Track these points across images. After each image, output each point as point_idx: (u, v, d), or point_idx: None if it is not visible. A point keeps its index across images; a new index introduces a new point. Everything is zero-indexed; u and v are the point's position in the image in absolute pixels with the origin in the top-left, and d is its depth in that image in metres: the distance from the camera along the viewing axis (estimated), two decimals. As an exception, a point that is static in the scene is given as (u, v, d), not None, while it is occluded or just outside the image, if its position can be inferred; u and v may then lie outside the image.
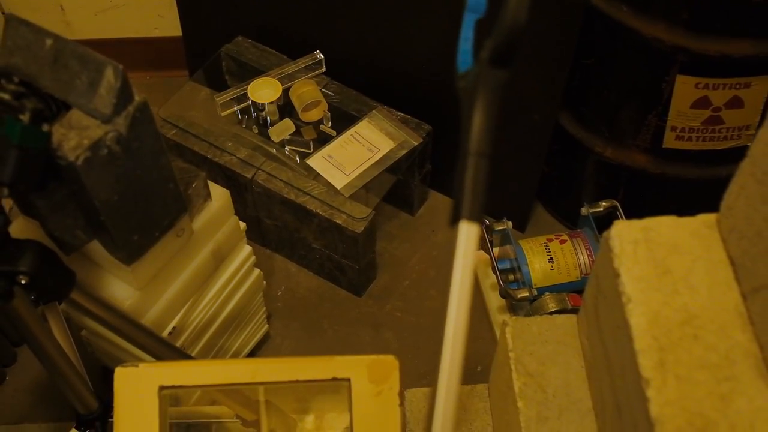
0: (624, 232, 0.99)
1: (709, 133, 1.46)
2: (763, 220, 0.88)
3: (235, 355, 1.60)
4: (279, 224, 1.68)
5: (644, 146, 1.53)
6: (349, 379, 1.08)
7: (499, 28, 0.53)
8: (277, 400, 1.36)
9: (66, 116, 1.00)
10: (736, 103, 1.40)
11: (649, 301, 0.93)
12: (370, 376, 1.08)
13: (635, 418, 0.92)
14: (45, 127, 0.92)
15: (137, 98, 1.01)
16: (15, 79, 0.95)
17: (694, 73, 1.36)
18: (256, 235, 1.76)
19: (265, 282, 1.56)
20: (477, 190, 0.53)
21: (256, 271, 1.51)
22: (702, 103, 1.40)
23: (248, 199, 1.65)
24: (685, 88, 1.38)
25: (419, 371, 1.62)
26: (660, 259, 0.97)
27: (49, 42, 1.00)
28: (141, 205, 1.11)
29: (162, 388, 1.07)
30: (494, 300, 1.70)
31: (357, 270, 1.67)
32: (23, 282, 1.03)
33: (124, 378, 1.07)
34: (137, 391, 1.06)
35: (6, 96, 0.90)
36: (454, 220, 0.53)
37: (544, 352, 1.18)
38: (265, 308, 1.61)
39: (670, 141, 1.49)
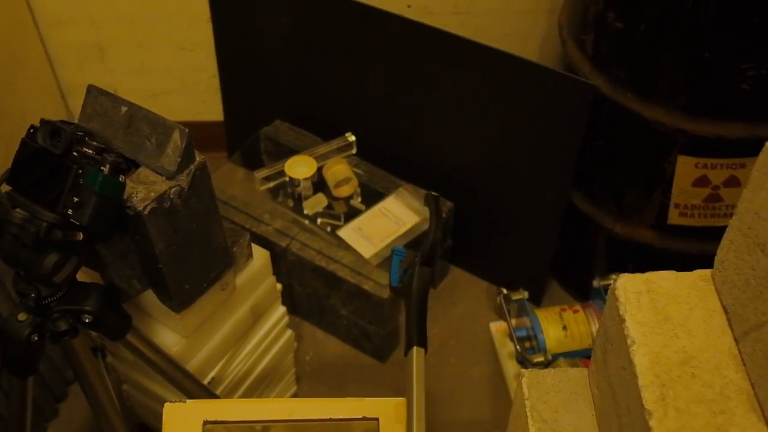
0: (628, 284, 1.10)
1: (710, 210, 1.58)
2: (750, 269, 0.99)
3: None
4: (309, 291, 1.80)
5: (650, 222, 1.65)
6: (377, 419, 1.17)
7: (425, 243, 1.00)
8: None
9: (135, 173, 1.14)
10: (733, 181, 1.53)
11: (651, 344, 1.04)
12: (397, 416, 1.18)
13: (639, 450, 1.00)
14: (121, 178, 1.05)
15: (198, 158, 1.16)
16: (96, 140, 1.09)
17: (694, 153, 1.49)
18: (287, 303, 1.86)
19: (296, 343, 1.67)
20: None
21: (289, 332, 1.62)
22: (702, 181, 1.53)
23: (282, 267, 1.78)
24: (685, 168, 1.51)
25: (437, 426, 1.70)
26: (661, 307, 1.08)
27: (124, 109, 1.15)
28: (194, 256, 1.23)
29: (206, 422, 1.16)
30: (511, 368, 1.79)
31: (382, 336, 1.77)
32: (87, 321, 1.14)
33: (172, 413, 1.16)
34: (184, 425, 1.16)
35: (90, 151, 1.03)
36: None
37: (558, 400, 1.27)
38: (294, 369, 1.71)
39: (674, 217, 1.61)
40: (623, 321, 1.07)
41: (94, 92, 1.18)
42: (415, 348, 1.18)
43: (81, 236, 1.06)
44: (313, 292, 1.80)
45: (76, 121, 1.14)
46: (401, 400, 1.19)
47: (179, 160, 1.12)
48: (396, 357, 1.87)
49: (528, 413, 1.27)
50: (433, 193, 1.33)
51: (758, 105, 1.40)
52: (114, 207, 1.07)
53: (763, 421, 0.96)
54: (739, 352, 1.02)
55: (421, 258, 1.13)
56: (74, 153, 1.02)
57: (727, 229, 1.06)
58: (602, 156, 1.65)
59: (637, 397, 1.01)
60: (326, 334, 1.90)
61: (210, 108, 2.15)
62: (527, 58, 1.56)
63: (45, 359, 1.74)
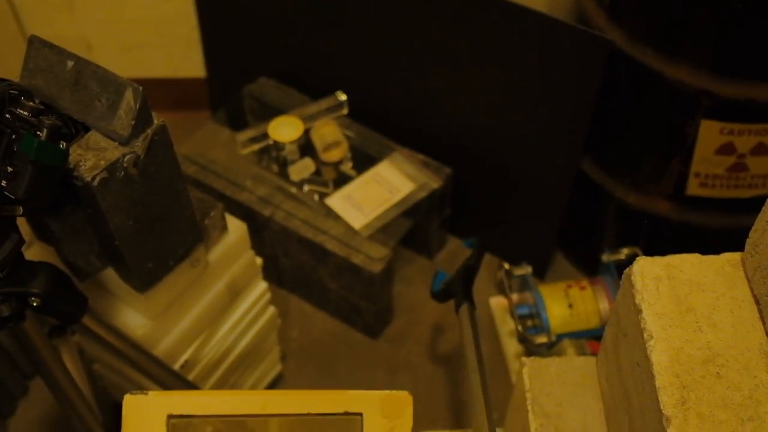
0: (647, 269, 0.97)
1: (733, 181, 1.44)
2: (789, 256, 0.85)
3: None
4: (296, 264, 1.67)
5: (667, 193, 1.51)
6: (361, 414, 1.05)
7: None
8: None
9: (84, 138, 1.00)
10: (761, 149, 1.38)
11: (671, 338, 0.91)
12: (383, 411, 1.05)
13: (656, 460, 0.88)
14: (62, 145, 0.91)
15: (156, 121, 1.02)
16: (35, 99, 0.96)
17: (719, 117, 1.34)
18: (273, 275, 1.74)
19: (280, 320, 1.55)
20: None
21: (271, 309, 1.49)
22: (726, 149, 1.39)
23: (266, 238, 1.64)
24: (709, 134, 1.37)
25: (432, 416, 1.59)
26: (683, 296, 0.94)
27: (70, 63, 1.01)
28: (156, 231, 1.10)
29: (170, 416, 1.04)
30: (511, 347, 1.66)
31: (373, 312, 1.65)
32: (35, 304, 1.02)
33: (132, 405, 1.04)
34: (145, 419, 1.04)
35: (25, 113, 0.90)
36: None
37: (562, 393, 1.15)
38: (279, 347, 1.59)
39: (693, 188, 1.47)
40: (640, 312, 0.93)
41: (36, 44, 1.04)
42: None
43: (20, 211, 0.94)
44: (300, 264, 1.66)
45: (14, 79, 1.00)
46: (389, 393, 1.06)
47: (133, 123, 0.98)
48: (389, 333, 1.74)
49: (529, 406, 1.15)
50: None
51: (793, 64, 1.25)
52: (55, 177, 0.93)
53: (800, 432, 0.84)
54: (773, 349, 0.90)
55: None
56: (7, 115, 0.89)
57: (764, 208, 0.92)
58: (617, 119, 1.50)
59: (654, 400, 0.88)
60: (315, 308, 1.77)
61: (190, 63, 2.00)
62: (534, 9, 1.41)
63: (11, 334, 1.63)
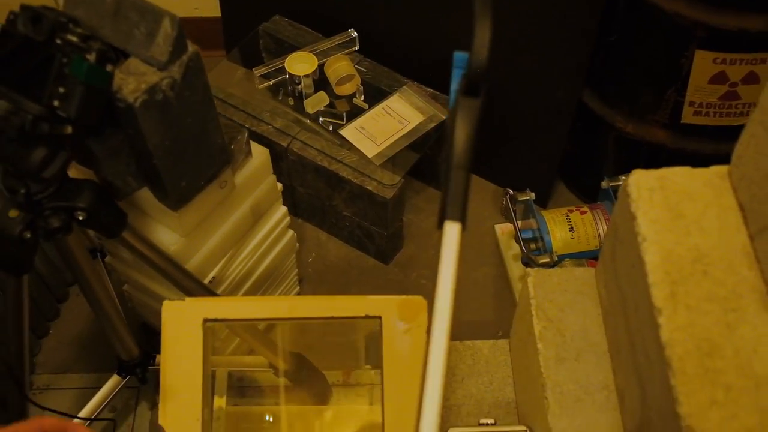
0: (641, 180, 1.06)
1: (726, 109, 1.53)
2: (769, 163, 0.94)
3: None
4: (311, 192, 1.76)
5: (663, 122, 1.59)
6: (380, 317, 1.15)
7: (467, 68, 0.66)
8: (309, 356, 1.44)
9: (125, 63, 1.08)
10: (752, 78, 1.46)
11: (663, 241, 1.00)
12: (401, 314, 1.15)
13: (647, 348, 0.98)
14: (109, 68, 1.00)
15: (191, 48, 1.10)
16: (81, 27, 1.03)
17: (712, 48, 1.42)
18: (289, 204, 1.82)
19: (297, 244, 1.64)
20: (459, 195, 0.62)
21: (290, 232, 1.59)
22: (719, 78, 1.47)
23: (283, 168, 1.73)
24: (703, 63, 1.45)
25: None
26: (674, 204, 1.04)
27: (111, -5, 1.09)
28: (190, 152, 1.19)
29: (206, 320, 1.14)
30: (516, 270, 1.76)
31: (385, 237, 1.74)
32: (81, 218, 1.11)
33: (171, 310, 1.14)
34: (183, 322, 1.14)
35: (74, 38, 0.98)
36: (441, 222, 0.63)
37: (564, 300, 1.25)
38: (297, 270, 1.69)
39: (688, 116, 1.56)
40: (635, 218, 1.03)
41: (79, -23, 1.11)
42: (447, 222, 0.69)
43: (70, 130, 1.02)
44: (315, 193, 1.76)
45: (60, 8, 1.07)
46: (405, 298, 1.16)
47: (170, 49, 1.06)
48: (400, 259, 1.84)
49: (533, 312, 1.25)
50: None
51: (782, -5, 1.33)
52: (102, 98, 1.02)
53: (775, 321, 0.93)
54: (754, 249, 0.99)
55: (463, 87, 0.70)
56: (58, 41, 0.97)
57: (747, 123, 1.02)
58: (616, 52, 1.58)
59: (646, 295, 0.98)
60: (329, 235, 1.87)
61: (206, 3, 2.07)
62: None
63: (45, 260, 1.73)
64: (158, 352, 1.54)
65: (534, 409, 1.26)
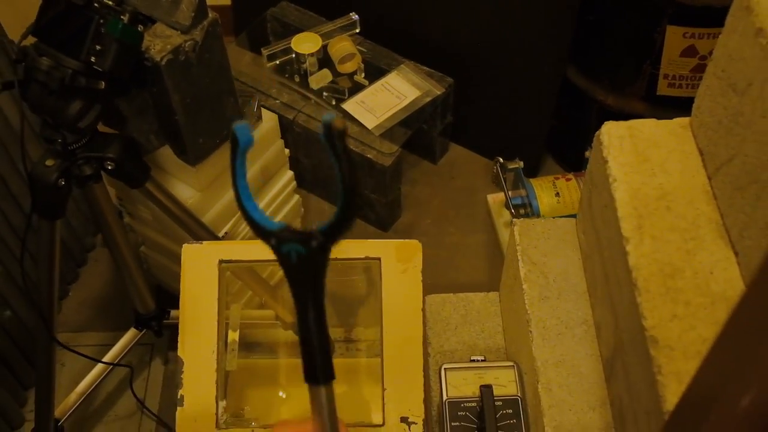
0: (612, 130, 1.19)
1: (697, 81, 1.65)
2: (722, 109, 1.07)
3: (273, 273, 1.80)
4: (315, 162, 1.89)
5: (641, 94, 1.72)
6: (379, 258, 1.27)
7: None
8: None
9: (152, 27, 1.21)
10: (720, 51, 1.59)
11: (631, 181, 1.13)
12: (398, 256, 1.27)
13: (618, 275, 1.11)
14: (140, 28, 1.12)
15: (211, 15, 1.23)
16: (114, -8, 1.16)
17: (682, 23, 1.55)
18: (294, 176, 1.96)
19: (302, 209, 1.77)
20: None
21: (296, 196, 1.71)
22: (689, 51, 1.60)
23: (289, 140, 1.86)
24: (674, 38, 1.58)
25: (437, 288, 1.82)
26: (641, 150, 1.16)
27: (139, -34, 1.21)
28: (207, 110, 1.31)
29: (221, 261, 1.26)
30: (506, 235, 1.89)
31: (384, 204, 1.87)
32: (109, 167, 1.23)
33: (189, 253, 1.26)
34: (201, 264, 1.26)
35: (110, 2, 1.11)
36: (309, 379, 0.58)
37: (547, 246, 1.37)
38: (302, 235, 1.81)
39: (663, 88, 1.69)
40: (606, 162, 1.16)
41: (110, -49, 1.24)
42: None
43: (103, 85, 1.14)
44: (319, 163, 1.88)
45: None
46: (402, 241, 1.27)
47: (193, 15, 1.19)
48: (398, 226, 1.97)
49: (519, 257, 1.38)
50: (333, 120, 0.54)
51: (745, -28, 1.46)
52: (133, 55, 1.15)
53: (729, 247, 1.06)
54: (711, 188, 1.12)
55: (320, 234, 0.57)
56: (95, 4, 1.09)
57: (704, 77, 1.14)
58: (596, 30, 1.71)
59: (617, 228, 1.11)
60: (331, 205, 2.00)
61: (216, -10, 2.20)
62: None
63: (66, 226, 1.85)
64: (172, 307, 1.67)
65: (520, 344, 1.38)
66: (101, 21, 1.09)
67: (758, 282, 0.58)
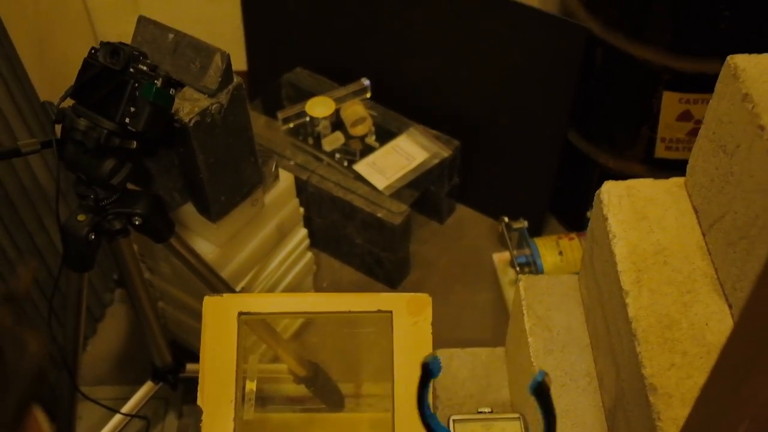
0: (612, 189, 1.27)
1: (693, 144, 1.73)
2: (714, 169, 1.15)
3: (286, 328, 1.86)
4: (327, 222, 1.96)
5: (640, 157, 1.80)
6: (391, 311, 1.33)
7: None
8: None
9: (181, 91, 1.30)
10: (714, 117, 1.68)
11: (630, 237, 1.20)
12: (409, 309, 1.33)
13: (618, 326, 1.17)
14: (172, 92, 1.21)
15: (236, 80, 1.32)
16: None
17: (678, 89, 1.64)
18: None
19: (315, 266, 1.83)
20: None
21: (309, 254, 1.78)
22: (685, 116, 1.68)
23: (302, 200, 1.93)
24: (670, 103, 1.67)
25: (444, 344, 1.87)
26: (639, 208, 1.24)
27: (171, 36, 1.31)
28: (230, 170, 1.39)
29: (241, 313, 1.33)
30: (512, 294, 1.95)
31: (393, 262, 1.94)
32: (137, 222, 1.30)
33: (210, 305, 1.32)
34: (221, 316, 1.32)
35: (144, 68, 1.19)
36: None
37: (551, 301, 1.44)
38: (314, 290, 1.88)
39: (660, 151, 1.77)
40: (606, 219, 1.23)
41: (143, 22, 1.33)
42: None
43: (135, 144, 1.22)
44: (331, 222, 1.96)
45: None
46: (413, 294, 1.34)
47: (220, 80, 1.28)
48: (406, 284, 2.03)
49: (524, 311, 1.44)
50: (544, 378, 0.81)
51: (734, 43, 1.55)
52: (165, 116, 1.23)
53: (723, 299, 1.12)
54: (706, 244, 1.19)
55: None
56: (131, 69, 1.18)
57: (696, 139, 1.22)
58: (596, 95, 1.80)
59: (617, 281, 1.17)
60: (342, 263, 2.06)
61: (233, 58, 2.30)
62: (526, 3, 1.71)
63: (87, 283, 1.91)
64: (188, 361, 1.72)
65: (525, 395, 1.43)
66: (136, 85, 1.17)
67: (739, 327, 0.65)
